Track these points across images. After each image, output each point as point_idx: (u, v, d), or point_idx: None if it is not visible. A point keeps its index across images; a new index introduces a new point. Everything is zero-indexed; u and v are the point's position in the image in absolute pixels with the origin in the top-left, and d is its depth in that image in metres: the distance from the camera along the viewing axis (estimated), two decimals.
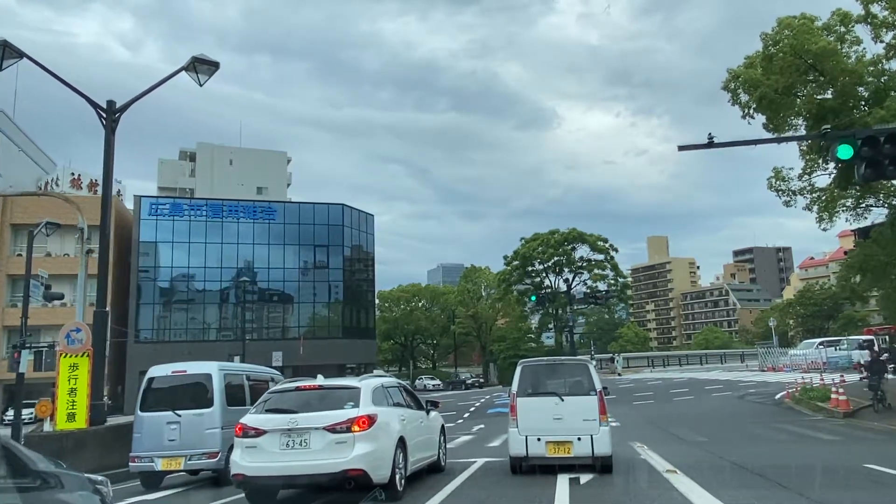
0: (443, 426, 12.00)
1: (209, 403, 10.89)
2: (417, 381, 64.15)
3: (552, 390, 10.23)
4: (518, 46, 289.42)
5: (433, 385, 62.14)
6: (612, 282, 57.29)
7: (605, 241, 58.80)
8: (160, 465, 10.59)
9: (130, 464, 10.91)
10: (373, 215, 57.31)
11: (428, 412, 11.15)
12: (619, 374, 52.35)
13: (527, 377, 10.43)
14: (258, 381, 12.51)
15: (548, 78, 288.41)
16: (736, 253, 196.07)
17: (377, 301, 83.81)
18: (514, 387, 10.35)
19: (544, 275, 61.41)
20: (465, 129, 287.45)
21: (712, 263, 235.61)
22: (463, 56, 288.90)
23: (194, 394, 11.13)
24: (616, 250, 58.84)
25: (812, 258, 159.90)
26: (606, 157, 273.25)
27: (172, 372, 11.59)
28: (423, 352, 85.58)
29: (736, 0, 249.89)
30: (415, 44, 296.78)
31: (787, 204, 25.88)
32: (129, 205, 52.00)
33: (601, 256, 59.10)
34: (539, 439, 9.73)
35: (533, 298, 55.31)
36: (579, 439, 9.68)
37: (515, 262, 59.62)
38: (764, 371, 43.00)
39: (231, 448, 8.94)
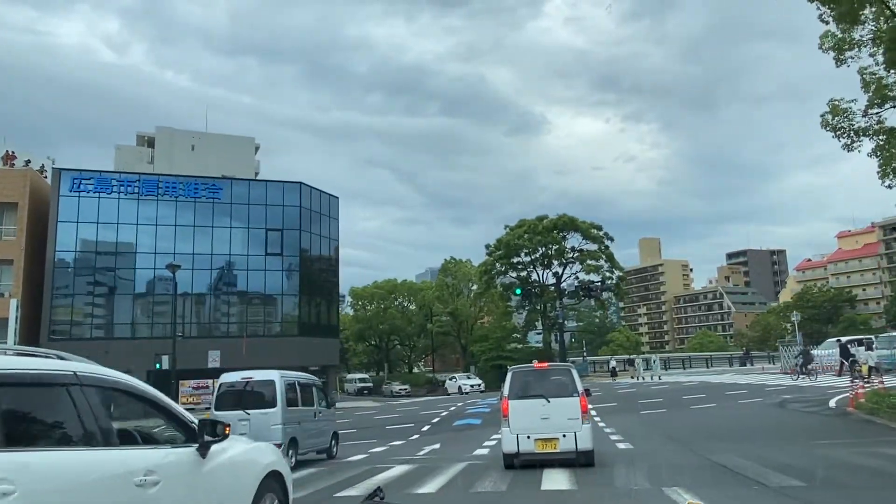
0: (273, 473, 5.33)
1: (273, 404, 13.37)
2: (449, 380, 51.67)
3: (539, 393, 10.95)
4: (506, 50, 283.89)
5: (472, 386, 47.69)
6: (608, 273, 50.80)
7: (600, 228, 52.32)
8: None
9: None
10: (337, 198, 50.59)
11: (203, 447, 4.53)
12: (642, 379, 44.59)
13: (517, 381, 11.31)
14: (304, 385, 14.97)
15: (536, 82, 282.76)
16: (729, 255, 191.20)
17: (350, 299, 77.14)
18: (506, 390, 11.21)
19: (531, 268, 54.86)
20: (454, 134, 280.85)
21: (702, 270, 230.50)
22: (450, 59, 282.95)
23: (261, 397, 13.53)
24: (612, 239, 52.37)
25: (809, 260, 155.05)
26: (596, 163, 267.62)
27: (242, 378, 14.21)
28: (401, 354, 78.68)
29: (723, 6, 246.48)
30: (404, 48, 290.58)
31: (848, 147, 19.60)
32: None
33: (594, 246, 52.62)
34: (529, 437, 10.60)
35: (518, 291, 48.84)
36: (564, 436, 10.47)
37: (499, 252, 53.00)
38: (787, 374, 36.69)
39: (291, 440, 13.18)
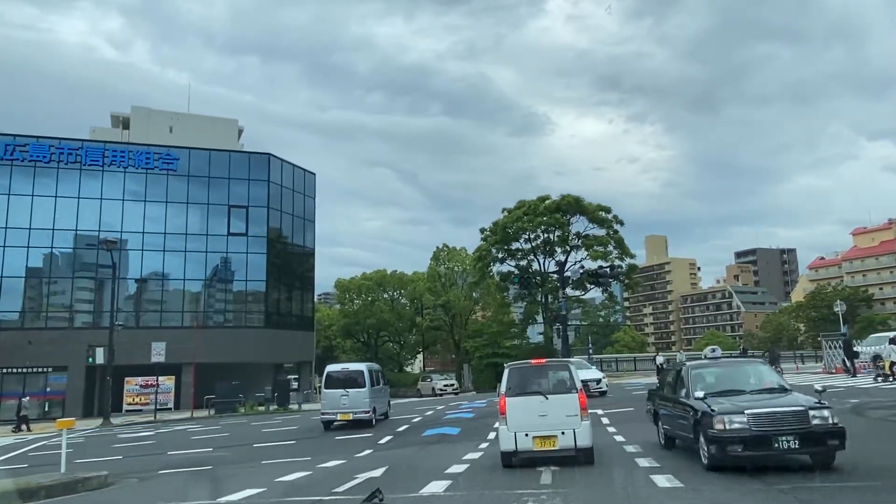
0: None
1: (363, 385, 20.30)
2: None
3: (537, 389, 10.59)
4: (507, 49, 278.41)
5: (597, 382, 27.27)
6: (617, 260, 45.12)
7: (608, 211, 46.71)
8: (339, 416, 20.20)
9: (321, 415, 20.59)
10: (314, 174, 45.18)
11: None
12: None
13: (514, 378, 10.87)
14: (375, 371, 22.61)
15: (538, 82, 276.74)
16: (738, 254, 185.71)
17: (336, 292, 71.72)
18: (503, 387, 10.85)
19: (531, 256, 49.27)
20: (457, 135, 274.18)
21: (705, 272, 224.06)
22: (451, 58, 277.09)
23: (355, 380, 20.51)
24: (621, 223, 46.71)
25: (822, 258, 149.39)
26: (599, 164, 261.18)
27: (341, 369, 21.77)
28: (391, 351, 72.96)
29: (726, 5, 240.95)
30: (405, 47, 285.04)
31: None
32: None
33: (602, 232, 47.03)
34: (527, 435, 10.16)
35: (516, 280, 43.28)
36: (563, 433, 10.08)
37: (495, 237, 47.38)
38: (833, 373, 31.18)
39: (373, 408, 20.49)
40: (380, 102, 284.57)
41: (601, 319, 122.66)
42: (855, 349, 32.21)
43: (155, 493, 11.16)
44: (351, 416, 19.84)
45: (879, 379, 25.32)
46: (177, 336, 35.30)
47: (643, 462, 10.42)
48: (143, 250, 37.57)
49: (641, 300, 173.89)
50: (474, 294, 55.83)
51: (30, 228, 36.64)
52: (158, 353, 32.22)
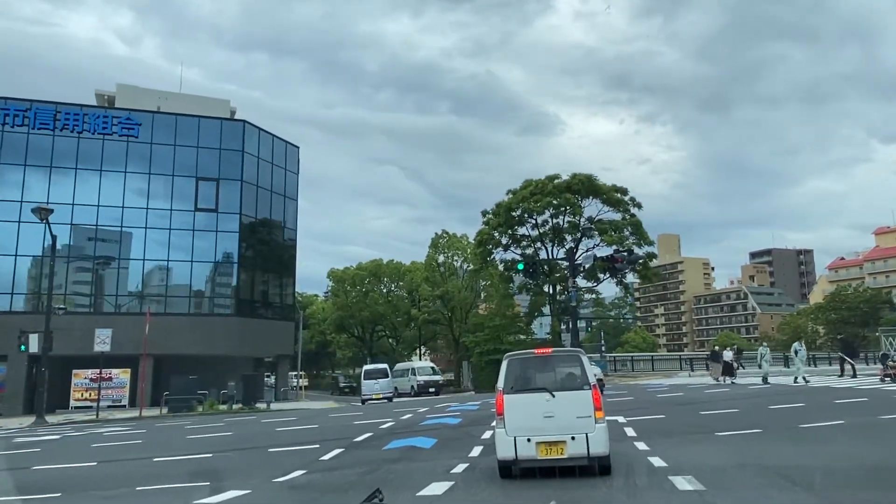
0: None
1: (387, 376, 36.24)
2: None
3: (542, 385, 9.06)
4: (515, 47, 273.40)
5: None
6: (634, 244, 40.38)
7: (624, 192, 41.99)
8: (373, 396, 34.05)
9: (362, 396, 35.23)
10: (297, 147, 40.68)
11: None
12: (766, 383, 26.71)
13: (514, 371, 9.34)
14: (388, 367, 39.44)
15: (547, 81, 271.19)
16: (753, 255, 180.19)
17: (330, 283, 67.29)
18: (501, 382, 9.27)
19: (538, 244, 44.65)
20: (465, 133, 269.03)
21: (717, 275, 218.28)
22: (458, 55, 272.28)
23: (381, 373, 36.41)
24: (639, 206, 42.00)
25: (842, 258, 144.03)
26: (610, 165, 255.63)
27: (373, 367, 38.44)
28: (387, 346, 68.33)
29: (737, 4, 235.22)
30: (414, 45, 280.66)
31: None
32: None
33: (618, 216, 42.36)
34: (529, 440, 8.60)
35: (521, 266, 38.67)
36: (573, 438, 8.49)
37: (498, 219, 42.72)
38: (887, 378, 26.49)
39: (393, 389, 37.01)
40: (388, 100, 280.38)
41: (611, 319, 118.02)
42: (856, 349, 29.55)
43: None
44: (381, 395, 33.68)
45: (887, 380, 24.18)
46: (134, 323, 30.90)
47: None
48: (97, 226, 33.27)
49: (653, 300, 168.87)
50: (480, 283, 51.21)
51: None
52: (103, 341, 27.83)
